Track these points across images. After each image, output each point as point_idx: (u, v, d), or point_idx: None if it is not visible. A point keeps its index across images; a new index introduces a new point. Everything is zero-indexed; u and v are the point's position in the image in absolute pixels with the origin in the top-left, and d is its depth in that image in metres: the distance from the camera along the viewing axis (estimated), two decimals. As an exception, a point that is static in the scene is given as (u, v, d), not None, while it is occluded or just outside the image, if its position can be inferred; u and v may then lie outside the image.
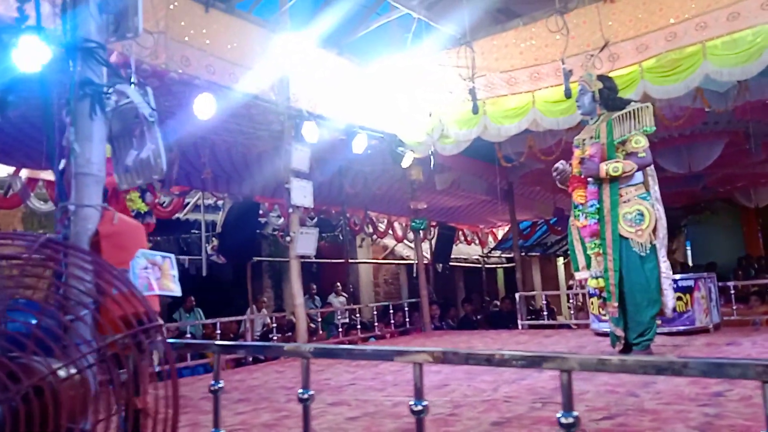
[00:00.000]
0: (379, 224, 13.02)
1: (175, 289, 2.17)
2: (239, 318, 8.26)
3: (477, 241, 15.79)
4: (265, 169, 7.45)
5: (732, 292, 6.82)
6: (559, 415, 1.28)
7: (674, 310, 5.01)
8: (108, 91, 2.15)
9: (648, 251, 4.37)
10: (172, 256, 2.24)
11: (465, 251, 16.73)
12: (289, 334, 8.42)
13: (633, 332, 4.50)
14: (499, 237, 16.23)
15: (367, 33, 8.08)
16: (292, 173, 6.73)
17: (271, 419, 3.34)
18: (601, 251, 4.51)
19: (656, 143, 8.89)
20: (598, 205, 4.54)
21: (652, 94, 6.67)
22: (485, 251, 16.39)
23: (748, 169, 10.83)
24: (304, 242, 6.80)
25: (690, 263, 15.60)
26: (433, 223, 13.91)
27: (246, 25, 6.75)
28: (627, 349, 4.56)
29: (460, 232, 14.99)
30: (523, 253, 17.48)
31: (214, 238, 10.42)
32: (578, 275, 4.97)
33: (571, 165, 4.78)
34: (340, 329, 8.40)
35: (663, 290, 4.37)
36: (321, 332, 8.49)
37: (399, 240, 13.62)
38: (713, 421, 2.62)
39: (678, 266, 15.09)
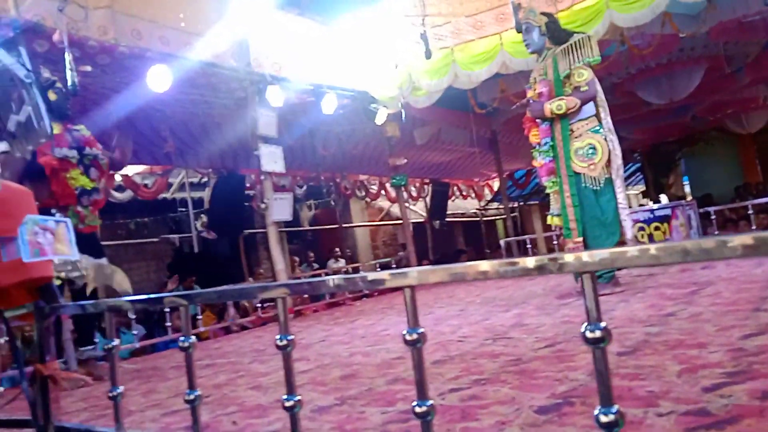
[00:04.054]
0: (371, 187, 12.94)
1: (71, 253, 2.13)
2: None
3: (473, 195, 15.69)
4: (232, 137, 7.36)
5: (713, 218, 6.70)
6: (404, 332, 1.23)
7: (635, 239, 4.93)
8: (-22, 56, 2.08)
9: (602, 185, 4.29)
10: (69, 220, 2.19)
11: (462, 206, 16.65)
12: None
13: None
14: (495, 189, 16.11)
15: (328, -11, 7.87)
16: (261, 139, 6.64)
17: (225, 380, 3.34)
18: (558, 189, 4.43)
19: (634, 75, 8.70)
20: (551, 143, 4.44)
21: (618, 23, 6.48)
22: (482, 204, 16.29)
23: (736, 94, 10.59)
24: (279, 208, 6.75)
25: (689, 197, 15.41)
26: (426, 181, 13.82)
27: (198, -8, 6.58)
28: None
29: (455, 188, 14.89)
30: (521, 203, 17.41)
31: (202, 215, 10.41)
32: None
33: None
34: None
35: (621, 221, 4.30)
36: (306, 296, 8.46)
37: (392, 201, 13.53)
38: (649, 338, 2.58)
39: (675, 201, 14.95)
